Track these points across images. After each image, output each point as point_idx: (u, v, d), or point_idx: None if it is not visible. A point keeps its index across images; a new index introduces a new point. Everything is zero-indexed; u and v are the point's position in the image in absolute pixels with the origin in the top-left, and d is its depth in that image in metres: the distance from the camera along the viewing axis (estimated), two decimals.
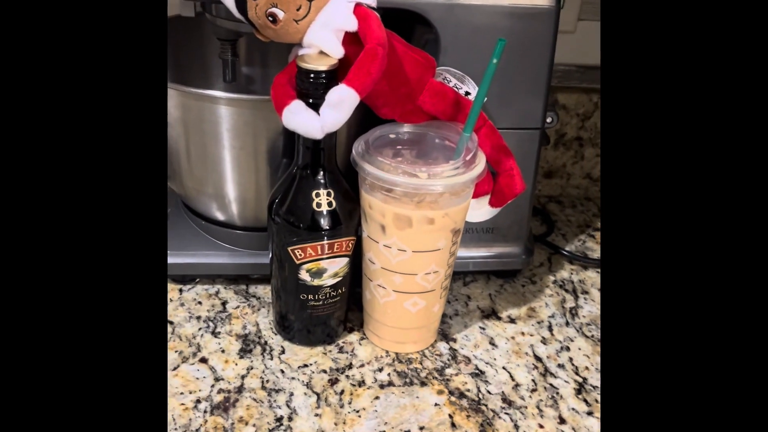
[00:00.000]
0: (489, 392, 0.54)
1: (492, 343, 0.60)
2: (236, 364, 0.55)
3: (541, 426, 0.52)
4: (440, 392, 0.54)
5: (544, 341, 0.60)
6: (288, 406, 0.52)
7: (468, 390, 0.54)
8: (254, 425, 0.50)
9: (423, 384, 0.55)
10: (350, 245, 0.54)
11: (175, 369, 0.54)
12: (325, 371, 0.55)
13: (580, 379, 0.56)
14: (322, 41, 0.49)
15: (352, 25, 0.49)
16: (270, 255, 0.55)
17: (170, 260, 0.61)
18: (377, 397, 0.53)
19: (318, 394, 0.53)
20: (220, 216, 0.62)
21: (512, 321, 0.62)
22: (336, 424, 0.51)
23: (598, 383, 0.56)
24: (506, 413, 0.52)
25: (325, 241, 0.52)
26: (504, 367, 0.57)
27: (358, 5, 0.49)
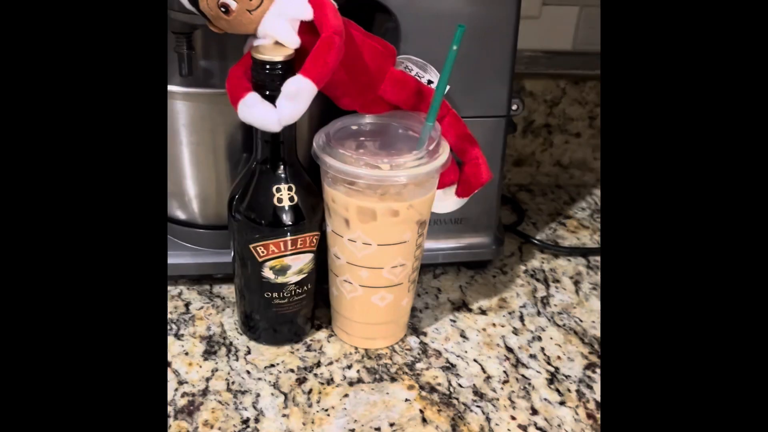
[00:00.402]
0: (460, 385, 0.53)
1: (463, 336, 0.59)
2: (200, 367, 0.54)
3: (513, 417, 0.51)
4: (411, 387, 0.53)
5: (515, 332, 0.59)
6: (254, 407, 0.50)
7: (439, 384, 0.53)
8: (220, 428, 0.48)
9: (393, 380, 0.54)
10: (314, 241, 0.53)
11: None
12: (292, 370, 0.54)
13: (552, 369, 0.56)
14: (277, 31, 0.47)
15: (308, 13, 0.47)
16: (232, 253, 0.54)
17: None
18: (346, 395, 0.52)
19: (285, 394, 0.52)
20: (180, 215, 0.60)
21: (483, 312, 0.62)
22: (304, 423, 0.49)
23: (569, 372, 0.55)
24: (478, 406, 0.52)
25: (288, 237, 0.51)
26: (475, 360, 0.56)
27: None
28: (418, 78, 0.54)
